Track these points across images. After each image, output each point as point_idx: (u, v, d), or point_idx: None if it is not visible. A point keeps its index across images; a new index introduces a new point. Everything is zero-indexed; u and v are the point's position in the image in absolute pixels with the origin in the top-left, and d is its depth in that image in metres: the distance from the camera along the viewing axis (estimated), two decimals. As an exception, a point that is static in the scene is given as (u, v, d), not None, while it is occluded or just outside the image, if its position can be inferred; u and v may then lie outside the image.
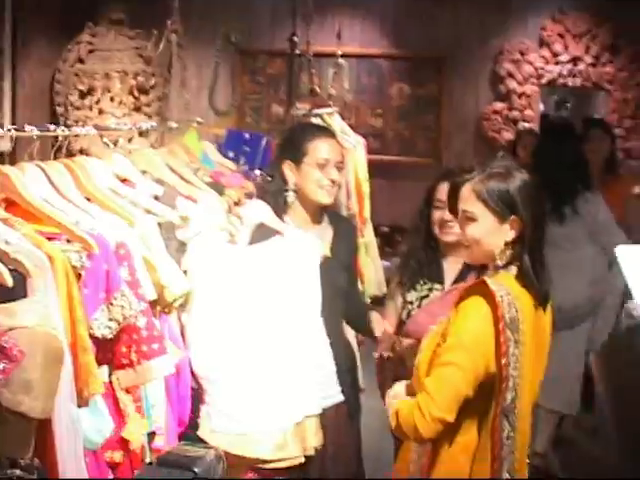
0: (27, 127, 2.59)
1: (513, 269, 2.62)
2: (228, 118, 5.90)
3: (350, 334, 4.19)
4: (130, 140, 6.24)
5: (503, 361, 2.49)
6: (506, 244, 2.60)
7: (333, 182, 3.47)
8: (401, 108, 8.86)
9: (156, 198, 2.90)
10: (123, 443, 2.56)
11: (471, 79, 8.71)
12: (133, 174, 2.93)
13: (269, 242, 3.14)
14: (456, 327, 2.56)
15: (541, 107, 8.73)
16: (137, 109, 7.47)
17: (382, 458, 3.91)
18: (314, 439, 3.15)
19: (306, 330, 3.16)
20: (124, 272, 2.46)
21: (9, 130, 2.56)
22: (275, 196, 3.50)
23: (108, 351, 2.49)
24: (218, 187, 3.27)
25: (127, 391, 2.57)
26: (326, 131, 3.66)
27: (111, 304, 2.40)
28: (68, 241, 2.35)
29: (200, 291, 2.93)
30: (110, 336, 2.42)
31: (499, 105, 8.54)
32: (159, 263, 2.63)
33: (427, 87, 8.78)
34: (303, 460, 3.10)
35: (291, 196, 3.50)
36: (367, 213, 4.87)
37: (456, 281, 3.59)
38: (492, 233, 2.60)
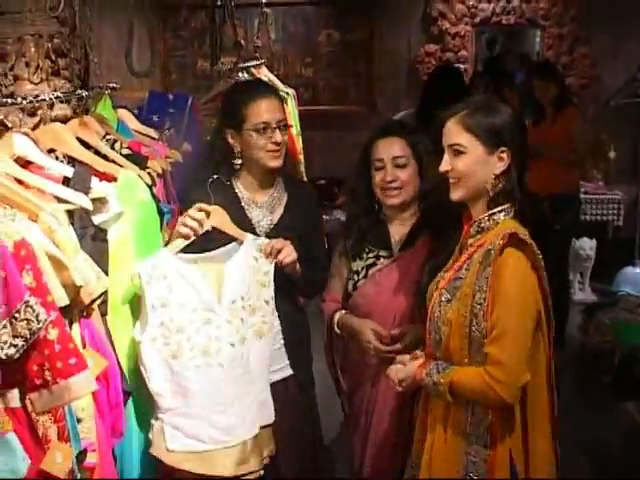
0: None
1: (510, 211, 2.65)
2: (152, 79, 5.50)
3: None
4: (52, 107, 5.78)
5: (550, 303, 2.63)
6: (495, 177, 2.63)
7: (278, 144, 3.23)
8: (331, 55, 8.49)
9: (66, 180, 2.48)
10: (45, 475, 2.12)
11: (402, 21, 8.31)
12: (37, 155, 2.48)
13: (227, 250, 2.97)
14: (503, 288, 2.51)
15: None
16: (55, 73, 6.95)
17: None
18: (268, 449, 3.01)
19: (264, 341, 2.99)
20: (27, 278, 2.00)
21: None
22: (222, 164, 3.30)
23: (17, 372, 2.04)
24: (139, 159, 2.96)
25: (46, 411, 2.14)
26: (263, 89, 3.37)
27: (14, 318, 1.96)
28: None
29: (154, 304, 2.73)
30: (17, 356, 1.99)
31: (432, 47, 8.19)
32: (70, 260, 2.17)
33: (357, 32, 8.39)
34: (262, 473, 2.95)
35: (237, 164, 3.29)
36: (302, 168, 4.67)
37: (404, 246, 3.30)
38: (482, 165, 2.63)
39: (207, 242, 2.96)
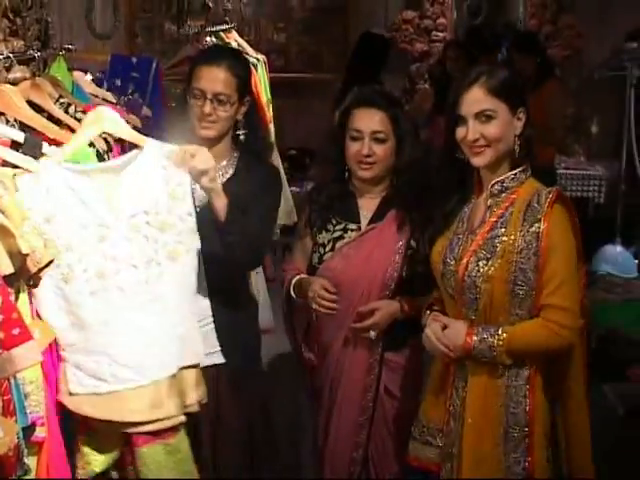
0: None
1: (529, 170, 2.82)
2: (117, 42, 5.48)
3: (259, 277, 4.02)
4: (9, 69, 5.73)
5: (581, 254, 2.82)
6: (516, 138, 2.78)
7: (205, 115, 3.15)
8: (305, 21, 8.51)
9: (17, 145, 2.49)
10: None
11: (379, -15, 8.28)
12: (-16, 119, 2.48)
13: (126, 158, 2.68)
14: (558, 241, 2.69)
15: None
16: (14, 34, 6.90)
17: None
18: (194, 393, 2.75)
19: (180, 265, 2.72)
20: (-31, 245, 2.02)
21: None
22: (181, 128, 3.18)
23: (-43, 342, 2.04)
24: (95, 124, 2.92)
25: (-10, 384, 2.15)
26: (215, 57, 3.25)
27: (-45, 285, 1.97)
28: None
29: (37, 220, 2.45)
30: (-43, 324, 1.99)
31: (410, 14, 8.22)
32: (17, 227, 2.18)
33: (332, -4, 8.42)
34: (184, 419, 2.69)
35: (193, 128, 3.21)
36: (272, 138, 4.60)
37: (372, 220, 3.29)
38: (509, 127, 2.77)
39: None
